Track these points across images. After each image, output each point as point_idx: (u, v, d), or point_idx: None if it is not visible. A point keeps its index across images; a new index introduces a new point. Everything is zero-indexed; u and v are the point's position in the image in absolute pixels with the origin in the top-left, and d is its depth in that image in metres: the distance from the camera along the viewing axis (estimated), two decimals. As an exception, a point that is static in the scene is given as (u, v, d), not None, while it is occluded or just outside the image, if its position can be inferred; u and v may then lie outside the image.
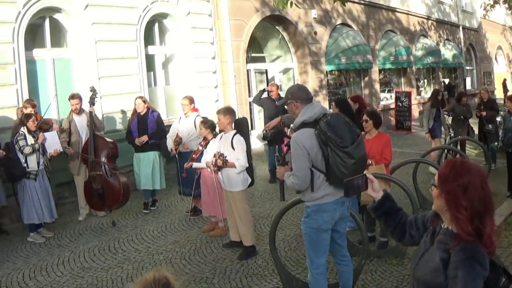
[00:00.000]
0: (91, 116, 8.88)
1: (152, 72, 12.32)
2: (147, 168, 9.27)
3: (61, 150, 8.39)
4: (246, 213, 7.10)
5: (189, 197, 8.91)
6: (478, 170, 2.51)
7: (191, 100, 8.98)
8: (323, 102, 16.88)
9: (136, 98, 9.35)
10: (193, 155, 8.12)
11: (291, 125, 5.46)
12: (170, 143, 8.86)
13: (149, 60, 12.12)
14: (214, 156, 7.05)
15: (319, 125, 4.53)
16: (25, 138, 7.88)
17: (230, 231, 7.41)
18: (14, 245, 7.98)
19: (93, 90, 9.07)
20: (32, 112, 8.43)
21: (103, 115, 10.50)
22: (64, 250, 7.67)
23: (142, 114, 9.28)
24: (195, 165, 7.86)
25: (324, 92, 17.51)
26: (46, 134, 8.17)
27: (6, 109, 8.88)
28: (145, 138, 9.12)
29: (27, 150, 7.83)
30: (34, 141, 7.96)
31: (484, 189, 2.44)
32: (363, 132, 7.10)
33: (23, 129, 7.94)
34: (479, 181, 2.44)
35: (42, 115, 8.68)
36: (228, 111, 7.20)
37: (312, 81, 16.84)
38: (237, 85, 13.87)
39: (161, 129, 9.33)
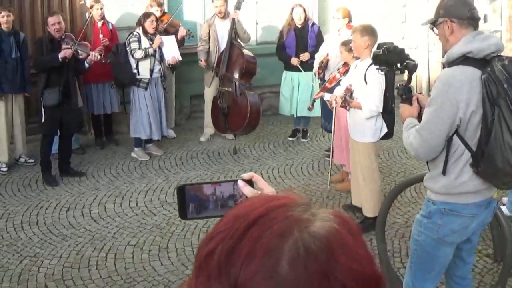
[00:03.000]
0: (233, 23, 7.46)
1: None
2: (303, 91, 7.69)
3: (180, 59, 7.19)
4: (372, 174, 5.26)
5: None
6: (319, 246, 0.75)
7: (346, 14, 7.02)
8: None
9: (294, 6, 7.64)
10: (327, 84, 6.31)
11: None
12: (316, 64, 7.14)
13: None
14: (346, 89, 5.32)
15: (491, 66, 2.70)
16: (139, 41, 6.83)
17: (351, 190, 5.68)
18: (113, 159, 7.22)
19: None
20: (159, 11, 7.33)
21: (257, 24, 9.06)
22: (156, 177, 6.60)
23: (300, 26, 7.61)
24: (327, 96, 6.08)
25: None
26: (164, 38, 7.01)
27: (138, 6, 7.75)
28: (307, 55, 7.47)
29: (138, 54, 6.79)
30: (150, 44, 6.86)
31: None
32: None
33: (139, 30, 6.88)
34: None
35: (172, 16, 7.52)
36: (367, 30, 5.13)
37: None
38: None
39: (324, 47, 7.59)
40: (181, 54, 7.65)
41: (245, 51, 7.41)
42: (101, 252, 4.80)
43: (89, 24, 7.09)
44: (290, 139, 8.02)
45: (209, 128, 7.97)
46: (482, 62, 2.74)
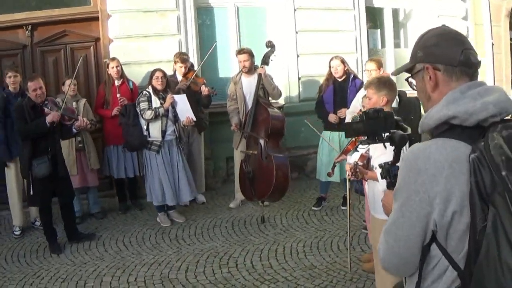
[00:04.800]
0: (259, 79, 6.90)
1: (379, 30, 9.64)
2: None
3: (195, 119, 6.68)
4: (394, 257, 4.44)
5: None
6: None
7: (380, 63, 6.28)
8: None
9: (331, 59, 6.97)
10: (348, 145, 5.46)
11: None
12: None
13: (375, 14, 9.49)
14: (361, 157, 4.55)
15: (485, 140, 1.66)
16: (149, 100, 6.45)
17: (375, 272, 4.84)
18: (132, 226, 6.83)
19: (270, 45, 7.03)
20: (183, 67, 6.95)
21: (299, 79, 8.50)
22: (167, 249, 6.02)
23: (340, 80, 6.94)
24: (349, 160, 5.29)
25: None
26: (176, 96, 6.56)
27: (164, 63, 7.39)
28: (344, 112, 6.69)
29: (148, 114, 6.40)
30: (161, 104, 6.45)
31: None
32: None
33: (149, 89, 6.51)
34: None
35: (194, 73, 7.09)
36: (384, 84, 4.19)
37: None
38: (495, 56, 10.32)
39: (366, 102, 6.83)
40: (212, 113, 7.23)
41: (271, 109, 6.81)
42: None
43: (108, 83, 6.80)
44: (314, 208, 7.25)
45: (240, 193, 7.34)
46: (476, 132, 1.71)
